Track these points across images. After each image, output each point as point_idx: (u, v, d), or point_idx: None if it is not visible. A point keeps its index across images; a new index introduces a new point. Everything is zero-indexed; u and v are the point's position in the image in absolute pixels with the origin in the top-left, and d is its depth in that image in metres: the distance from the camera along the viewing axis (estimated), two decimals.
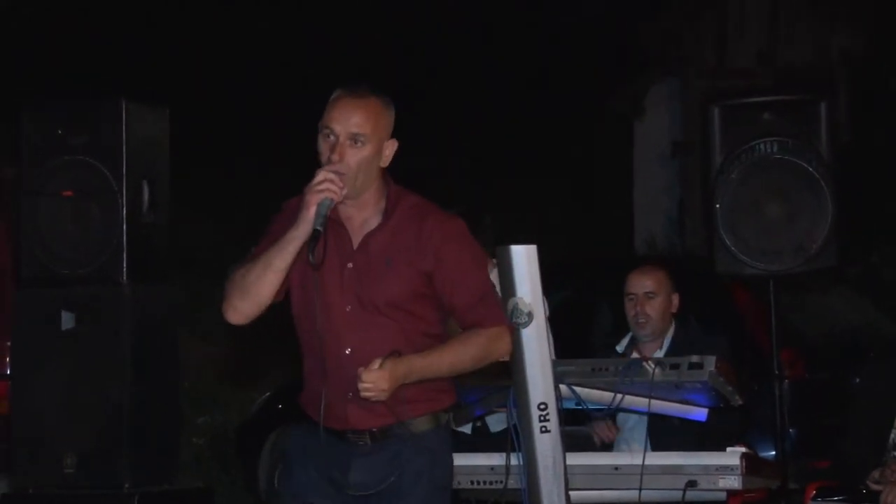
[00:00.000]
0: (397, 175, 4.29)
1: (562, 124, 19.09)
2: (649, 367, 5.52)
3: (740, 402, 5.75)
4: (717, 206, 6.93)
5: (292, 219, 4.09)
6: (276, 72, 20.75)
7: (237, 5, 20.75)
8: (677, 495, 5.39)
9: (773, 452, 7.24)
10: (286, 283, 4.17)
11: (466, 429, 6.18)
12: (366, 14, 20.67)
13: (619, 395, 5.52)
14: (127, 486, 6.78)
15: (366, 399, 4.06)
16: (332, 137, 4.11)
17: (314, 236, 4.01)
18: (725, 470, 5.35)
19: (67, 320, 6.93)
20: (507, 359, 4.52)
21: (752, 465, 5.44)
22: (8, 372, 8.08)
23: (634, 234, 17.37)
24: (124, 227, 6.85)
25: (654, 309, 6.40)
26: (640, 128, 17.53)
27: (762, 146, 6.90)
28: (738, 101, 7.13)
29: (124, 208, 6.85)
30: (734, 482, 5.36)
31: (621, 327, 6.83)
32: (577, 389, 5.50)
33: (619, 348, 6.52)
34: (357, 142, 4.09)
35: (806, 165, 6.84)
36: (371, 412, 4.13)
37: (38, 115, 7.10)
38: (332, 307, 4.15)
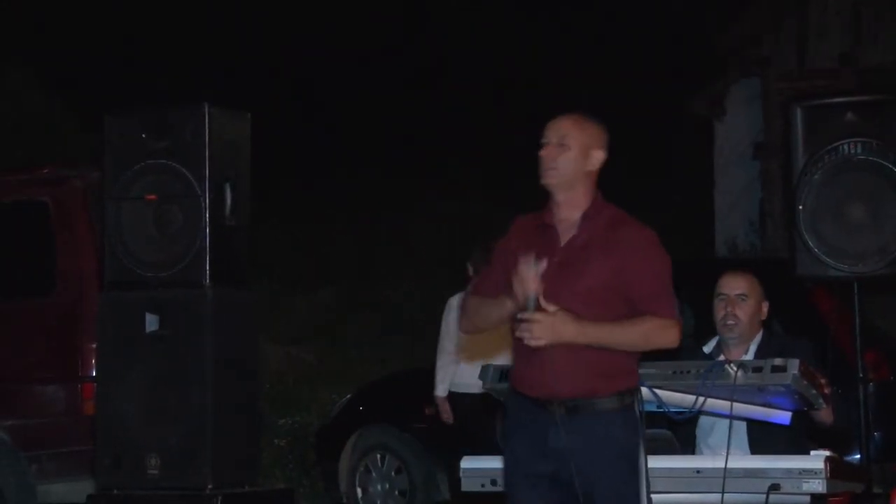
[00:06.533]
0: None
1: (643, 126, 19.02)
2: (731, 369, 5.47)
3: (824, 406, 5.69)
4: (800, 207, 6.87)
5: (515, 236, 5.06)
6: (357, 81, 20.83)
7: (327, 19, 20.87)
8: (760, 499, 5.34)
9: (858, 456, 7.16)
10: None
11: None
12: (439, 24, 20.71)
13: (701, 398, 5.48)
14: (210, 487, 6.84)
15: (560, 366, 4.81)
16: (545, 145, 5.04)
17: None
18: (809, 473, 5.30)
19: (151, 323, 7.00)
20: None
21: (836, 468, 5.38)
22: (93, 374, 8.18)
23: (715, 236, 17.25)
24: (207, 230, 6.91)
25: (744, 312, 6.27)
26: (720, 129, 17.40)
27: (845, 147, 6.84)
28: (821, 102, 7.06)
29: (207, 211, 6.91)
30: (818, 486, 5.31)
31: (702, 330, 6.76)
32: (659, 392, 5.47)
33: (707, 349, 6.43)
34: (562, 144, 5.01)
35: (890, 166, 6.77)
36: (568, 381, 4.86)
37: (121, 120, 7.18)
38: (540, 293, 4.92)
